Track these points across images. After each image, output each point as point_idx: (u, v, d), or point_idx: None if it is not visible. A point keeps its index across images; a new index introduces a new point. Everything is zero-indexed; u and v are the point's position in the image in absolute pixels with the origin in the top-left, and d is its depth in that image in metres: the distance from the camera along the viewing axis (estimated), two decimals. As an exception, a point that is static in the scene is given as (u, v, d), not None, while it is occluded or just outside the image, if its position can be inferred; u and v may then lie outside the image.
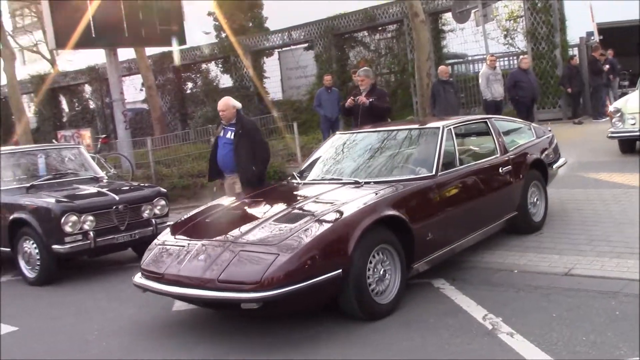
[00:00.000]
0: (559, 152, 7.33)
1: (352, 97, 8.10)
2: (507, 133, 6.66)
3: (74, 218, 6.45)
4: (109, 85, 14.04)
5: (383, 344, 4.06)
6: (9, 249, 6.94)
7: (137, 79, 22.17)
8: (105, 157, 13.10)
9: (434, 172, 5.19)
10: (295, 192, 5.69)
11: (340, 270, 4.16)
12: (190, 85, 23.10)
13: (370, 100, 7.89)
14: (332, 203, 4.82)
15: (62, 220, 6.38)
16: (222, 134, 7.08)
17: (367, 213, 4.52)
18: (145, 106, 22.63)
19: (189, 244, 4.65)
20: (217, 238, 4.63)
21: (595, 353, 3.60)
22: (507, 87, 12.65)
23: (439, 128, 5.59)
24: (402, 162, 5.62)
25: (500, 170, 5.88)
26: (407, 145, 5.84)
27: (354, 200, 4.74)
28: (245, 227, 4.69)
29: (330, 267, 4.14)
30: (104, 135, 16.51)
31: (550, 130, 7.36)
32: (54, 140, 15.53)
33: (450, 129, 5.65)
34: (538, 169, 6.50)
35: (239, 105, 7.11)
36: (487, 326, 4.17)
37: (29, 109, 28.67)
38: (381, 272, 4.51)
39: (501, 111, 12.55)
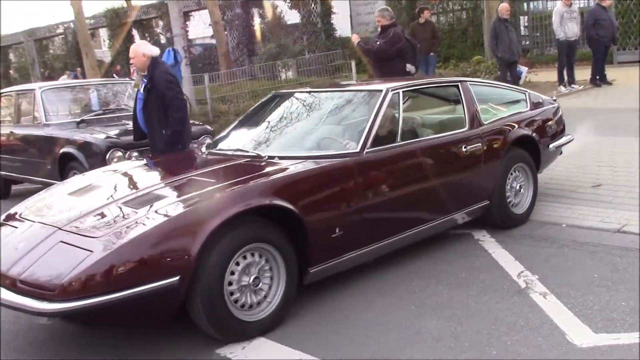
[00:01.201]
0: (563, 127, 5.92)
1: (355, 34, 7.74)
2: (487, 101, 5.40)
3: (119, 154, 6.48)
4: (171, 20, 13.96)
5: (409, 297, 3.88)
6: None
7: (207, 14, 22.08)
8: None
9: (358, 149, 4.05)
10: (183, 165, 4.68)
11: (178, 278, 3.11)
12: (258, 21, 22.85)
13: (358, 41, 7.47)
14: (201, 185, 3.71)
15: (108, 156, 6.42)
16: (140, 87, 5.95)
17: (228, 202, 3.40)
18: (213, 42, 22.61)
19: (22, 224, 3.74)
20: (52, 219, 3.65)
21: (632, 321, 3.29)
22: (586, 25, 11.79)
23: (380, 92, 4.43)
24: (330, 133, 4.44)
25: (463, 149, 4.62)
26: (341, 112, 4.71)
27: (223, 184, 3.67)
28: (88, 207, 3.69)
29: (162, 273, 3.09)
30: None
31: (555, 101, 6.03)
32: (114, 75, 15.74)
33: (398, 93, 4.49)
34: (526, 149, 5.20)
35: (152, 52, 5.78)
36: (520, 284, 3.91)
37: (104, 42, 29.34)
38: (252, 279, 3.44)
39: (574, 52, 11.73)
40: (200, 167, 4.41)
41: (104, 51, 29.16)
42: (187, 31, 24.63)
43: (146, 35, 26.43)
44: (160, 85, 5.64)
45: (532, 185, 5.26)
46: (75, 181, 4.61)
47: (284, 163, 3.96)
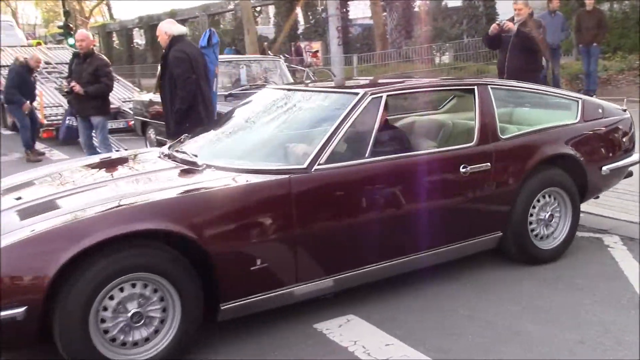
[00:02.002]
0: (633, 144, 4.84)
1: (497, 23, 6.93)
2: (519, 110, 4.74)
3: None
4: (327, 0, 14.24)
5: (516, 297, 3.75)
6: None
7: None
8: (314, 70, 13.51)
9: (305, 164, 3.37)
10: (115, 168, 4.12)
11: (24, 310, 2.66)
12: (418, 2, 22.56)
13: (523, 29, 6.65)
14: (100, 196, 3.21)
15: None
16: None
17: (103, 222, 2.84)
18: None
19: None
20: None
21: None
22: None
23: (356, 95, 3.69)
24: (288, 141, 3.79)
25: (462, 169, 3.79)
26: (310, 117, 4.03)
27: (121, 197, 3.13)
28: None
29: (8, 302, 2.65)
30: (315, 50, 16.98)
31: (625, 111, 4.90)
32: (269, 52, 16.35)
33: (380, 97, 3.70)
34: (567, 170, 4.29)
35: (172, 30, 5.59)
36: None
37: (270, 20, 30.52)
38: (133, 317, 2.92)
39: None
40: (128, 172, 3.92)
41: (269, 28, 30.35)
42: (347, 11, 25.04)
43: (309, 13, 27.13)
44: (171, 63, 5.54)
45: (571, 215, 4.32)
46: (16, 178, 4.12)
47: (215, 175, 3.41)
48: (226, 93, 7.72)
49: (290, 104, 4.23)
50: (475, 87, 4.13)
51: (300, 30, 27.56)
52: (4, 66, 15.67)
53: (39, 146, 10.44)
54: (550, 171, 4.21)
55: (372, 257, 3.60)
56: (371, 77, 6.19)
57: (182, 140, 4.33)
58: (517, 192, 4.03)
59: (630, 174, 4.94)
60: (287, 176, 3.29)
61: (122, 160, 4.34)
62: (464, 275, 4.10)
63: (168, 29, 5.68)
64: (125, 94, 12.36)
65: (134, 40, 39.97)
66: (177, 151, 3.95)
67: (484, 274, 4.13)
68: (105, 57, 8.05)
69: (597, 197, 4.85)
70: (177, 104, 5.50)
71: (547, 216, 4.22)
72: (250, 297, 3.21)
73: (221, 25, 32.57)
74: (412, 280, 3.98)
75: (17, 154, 10.26)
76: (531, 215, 4.14)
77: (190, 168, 3.60)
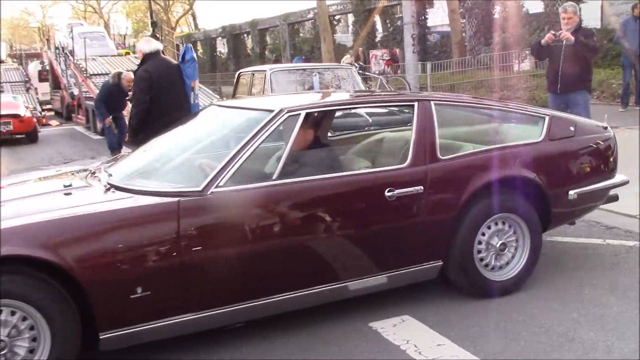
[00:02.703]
0: (612, 165, 4.36)
1: (552, 32, 6.66)
2: (469, 129, 4.38)
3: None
4: (402, 8, 14.29)
5: (575, 304, 3.72)
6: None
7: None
8: (388, 78, 13.59)
9: (201, 187, 3.16)
10: (38, 186, 3.91)
11: None
12: (498, 9, 22.21)
13: (579, 37, 6.39)
14: None
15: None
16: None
17: None
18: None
19: None
20: None
21: None
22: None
23: (270, 112, 3.48)
24: (194, 162, 3.59)
25: (387, 193, 3.46)
26: (227, 136, 3.86)
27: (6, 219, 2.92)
28: None
29: None
30: (387, 58, 17.02)
31: (606, 128, 4.43)
32: (360, 58, 16.48)
33: (297, 115, 3.47)
34: (523, 194, 3.88)
35: (143, 48, 5.78)
36: None
37: (348, 28, 30.79)
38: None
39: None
40: (39, 190, 3.72)
41: (347, 36, 30.63)
42: (425, 18, 24.96)
43: (387, 21, 27.21)
44: (135, 79, 5.93)
45: (530, 244, 3.91)
46: None
47: (111, 196, 3.24)
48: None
49: (217, 122, 4.06)
50: (415, 104, 3.80)
51: (378, 38, 27.67)
52: (96, 74, 16.63)
53: (126, 150, 11.03)
54: (501, 196, 3.78)
55: (278, 286, 3.33)
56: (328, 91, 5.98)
57: (118, 157, 4.29)
58: (458, 218, 3.66)
59: (614, 198, 4.49)
60: (175, 199, 3.09)
61: (54, 177, 4.12)
62: (525, 283, 4.08)
63: (141, 47, 6.04)
64: (207, 101, 12.85)
65: (217, 49, 41.26)
66: (99, 170, 3.83)
67: (543, 279, 4.10)
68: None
69: (573, 224, 4.56)
70: (131, 119, 5.87)
71: (498, 245, 3.83)
72: (133, 326, 3.01)
73: (300, 34, 33.13)
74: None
75: (105, 157, 10.88)
76: (480, 243, 3.77)
77: (96, 188, 3.43)
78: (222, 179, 3.19)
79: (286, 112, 3.45)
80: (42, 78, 24.55)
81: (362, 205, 3.49)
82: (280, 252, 3.30)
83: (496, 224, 3.83)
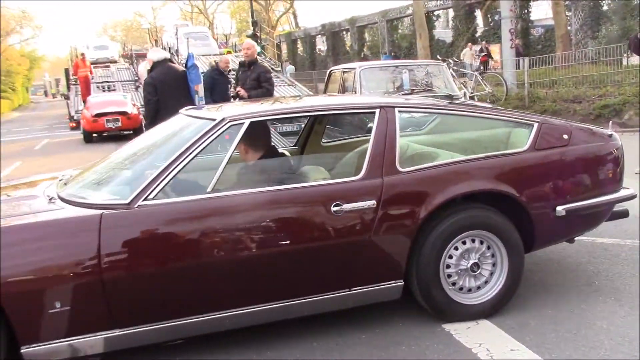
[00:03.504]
0: (616, 178, 3.87)
1: None
2: (449, 134, 4.07)
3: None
4: (500, 2, 13.86)
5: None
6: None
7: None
8: (483, 74, 13.23)
9: (128, 200, 3.00)
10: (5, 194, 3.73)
11: None
12: (608, 0, 21.11)
13: None
14: None
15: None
16: None
17: None
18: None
19: None
20: None
21: None
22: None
23: (212, 121, 3.30)
24: (141, 173, 3.34)
25: (333, 207, 3.20)
26: (171, 146, 3.48)
27: None
28: None
29: None
30: (483, 54, 16.55)
31: (611, 136, 3.94)
32: (437, 57, 16.21)
33: (241, 124, 3.29)
34: (502, 210, 3.54)
35: (154, 57, 6.79)
36: None
37: (447, 24, 30.27)
38: None
39: None
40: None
41: (446, 32, 30.12)
42: (529, 12, 24.11)
43: (488, 16, 26.52)
44: None
45: (508, 264, 3.56)
46: None
47: (52, 206, 3.17)
48: (388, 97, 7.90)
49: (172, 131, 3.78)
50: (377, 111, 3.51)
51: (478, 33, 27.03)
52: (202, 73, 17.24)
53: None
54: (473, 211, 3.49)
55: (210, 306, 3.14)
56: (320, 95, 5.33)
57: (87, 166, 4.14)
58: (420, 235, 3.38)
59: (622, 214, 4.04)
60: (98, 212, 2.96)
61: (29, 184, 4.01)
62: (607, 287, 3.91)
63: (150, 56, 6.98)
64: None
65: (317, 47, 41.71)
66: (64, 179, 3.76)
67: (632, 286, 3.90)
68: (267, 65, 8.70)
69: (571, 242, 4.09)
70: (145, 118, 6.90)
71: (469, 265, 3.49)
72: (55, 341, 2.89)
73: (399, 30, 32.90)
74: (554, 289, 3.90)
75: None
76: (448, 265, 3.47)
77: (42, 198, 3.35)
78: (153, 191, 3.03)
79: (228, 122, 3.29)
80: (150, 77, 25.70)
81: (304, 221, 3.24)
82: (211, 270, 3.10)
83: (465, 243, 3.49)
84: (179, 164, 3.12)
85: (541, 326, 3.45)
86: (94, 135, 17.03)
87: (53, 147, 16.65)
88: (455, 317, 3.52)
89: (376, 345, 3.35)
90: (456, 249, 3.48)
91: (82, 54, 24.10)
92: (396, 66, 8.80)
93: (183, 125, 3.69)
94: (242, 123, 3.31)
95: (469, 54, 21.05)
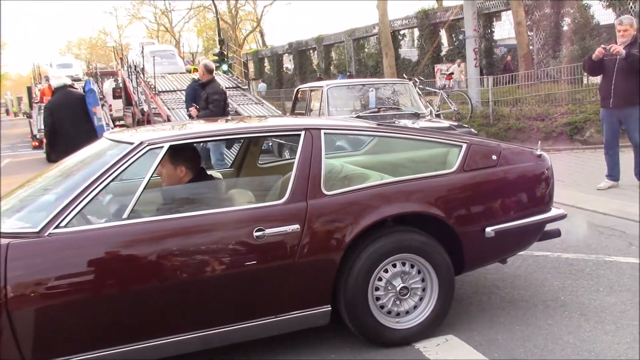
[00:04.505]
0: (544, 198, 3.88)
1: (602, 47, 6.49)
2: (379, 156, 4.12)
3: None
4: (464, 22, 14.13)
5: (632, 326, 3.57)
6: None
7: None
8: (448, 93, 13.43)
9: (38, 228, 2.85)
10: None
11: None
12: (567, 21, 21.65)
13: (632, 51, 6.19)
14: None
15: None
16: None
17: None
18: (517, 43, 22.12)
19: None
20: None
21: None
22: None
23: (130, 145, 3.20)
24: (51, 197, 3.21)
25: (255, 233, 3.12)
26: (88, 171, 3.27)
27: None
28: None
29: None
30: (449, 72, 16.83)
31: (540, 157, 3.93)
32: (404, 75, 16.43)
33: (160, 148, 3.19)
34: (430, 232, 3.51)
35: (54, 83, 7.52)
36: None
37: (413, 43, 30.69)
38: None
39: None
40: None
41: (412, 50, 30.51)
42: (492, 32, 24.61)
43: (452, 36, 26.96)
44: None
45: (438, 287, 3.52)
46: None
47: None
48: (354, 116, 7.95)
49: (94, 155, 3.57)
50: (302, 133, 3.45)
51: (443, 52, 27.44)
52: (164, 91, 17.18)
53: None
54: (400, 234, 3.45)
55: (123, 337, 2.98)
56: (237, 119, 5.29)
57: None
58: (346, 258, 3.31)
59: (555, 234, 4.06)
60: (5, 242, 2.77)
61: None
62: (573, 302, 3.96)
63: (52, 82, 7.75)
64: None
65: (284, 65, 41.87)
66: None
67: (599, 300, 3.96)
68: (220, 86, 8.99)
69: (504, 262, 4.05)
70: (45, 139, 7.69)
71: (399, 289, 3.44)
72: None
73: (365, 49, 33.22)
74: (521, 305, 3.94)
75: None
76: (377, 289, 3.41)
77: None
78: (65, 218, 2.88)
79: (147, 145, 3.17)
80: (116, 95, 25.48)
81: (225, 247, 3.12)
82: (127, 300, 2.95)
83: (395, 265, 3.44)
84: (94, 189, 2.98)
85: (509, 342, 3.47)
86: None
87: (15, 167, 16.30)
88: (384, 342, 3.45)
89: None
90: (386, 271, 3.42)
91: (48, 80, 23.63)
92: (363, 85, 8.86)
93: (103, 149, 3.55)
94: (162, 147, 3.21)
95: (458, 71, 21.30)
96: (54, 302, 2.81)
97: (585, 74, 15.87)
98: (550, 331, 3.58)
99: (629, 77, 6.38)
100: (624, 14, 18.49)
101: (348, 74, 27.90)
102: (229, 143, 8.07)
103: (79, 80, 30.89)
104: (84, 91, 7.67)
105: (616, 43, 6.53)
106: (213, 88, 8.73)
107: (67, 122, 7.21)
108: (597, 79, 15.59)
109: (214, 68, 9.46)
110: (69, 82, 7.84)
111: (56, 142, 7.28)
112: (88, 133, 7.11)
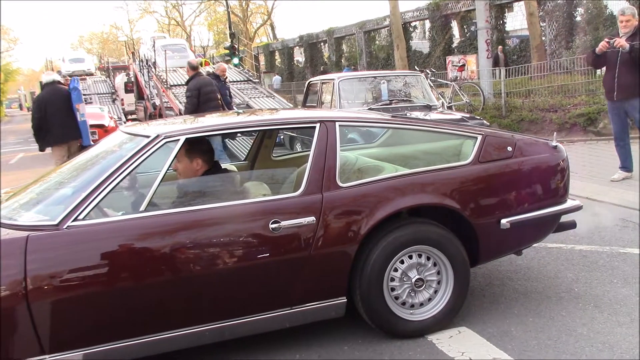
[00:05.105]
0: (559, 191, 3.85)
1: (606, 40, 6.42)
2: (395, 148, 4.10)
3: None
4: (476, 13, 14.02)
5: None
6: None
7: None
8: (461, 85, 13.35)
9: (57, 221, 2.87)
10: None
11: None
12: (580, 11, 21.45)
13: (633, 43, 6.14)
14: None
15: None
16: None
17: None
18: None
19: None
20: None
21: None
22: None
23: (146, 138, 3.21)
24: (69, 190, 3.21)
25: (271, 225, 3.13)
26: (105, 165, 3.28)
27: None
28: None
29: None
30: (461, 64, 16.73)
31: (555, 147, 3.90)
32: (415, 67, 16.36)
33: (176, 141, 3.21)
34: (445, 224, 3.54)
35: (44, 79, 8.37)
36: None
37: (424, 35, 30.54)
38: None
39: None
40: None
41: (423, 42, 30.36)
42: (504, 23, 24.43)
43: (464, 27, 26.80)
44: None
45: (454, 279, 3.51)
46: None
47: None
48: (367, 108, 7.94)
49: (111, 149, 3.58)
50: (317, 125, 3.45)
51: (454, 44, 27.29)
52: (176, 85, 17.24)
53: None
54: (415, 226, 3.44)
55: (146, 328, 3.01)
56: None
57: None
58: (362, 251, 3.32)
59: (570, 226, 4.04)
60: (24, 234, 2.81)
61: None
62: (586, 294, 3.95)
63: (42, 78, 8.49)
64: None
65: (295, 58, 41.82)
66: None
67: (611, 292, 3.94)
68: (198, 83, 9.41)
69: (519, 254, 4.01)
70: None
71: (414, 280, 3.45)
72: None
73: (377, 41, 33.10)
74: (534, 297, 3.93)
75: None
76: (392, 279, 3.41)
77: None
78: (83, 211, 2.90)
79: (163, 138, 3.19)
80: (127, 89, 25.59)
81: (242, 239, 3.12)
82: (145, 291, 2.97)
83: (411, 257, 3.45)
84: (111, 182, 3.00)
85: (523, 334, 3.46)
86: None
87: (29, 161, 16.42)
88: (398, 333, 3.46)
89: (358, 356, 3.34)
90: (402, 262, 3.43)
91: (66, 78, 23.63)
92: (374, 77, 8.84)
93: (119, 143, 3.56)
94: (178, 139, 3.22)
95: (501, 59, 21.07)
96: (72, 294, 2.83)
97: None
98: (563, 323, 3.57)
99: (632, 69, 6.37)
100: (636, 4, 18.34)
101: (352, 67, 27.86)
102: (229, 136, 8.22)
103: (92, 74, 31.12)
104: (69, 89, 8.29)
105: (619, 34, 6.50)
106: (190, 84, 9.46)
107: (54, 117, 7.98)
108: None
109: (198, 65, 10.05)
110: (58, 78, 8.54)
111: (41, 134, 8.10)
112: (71, 127, 8.12)
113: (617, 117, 6.82)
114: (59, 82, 8.37)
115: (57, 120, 8.00)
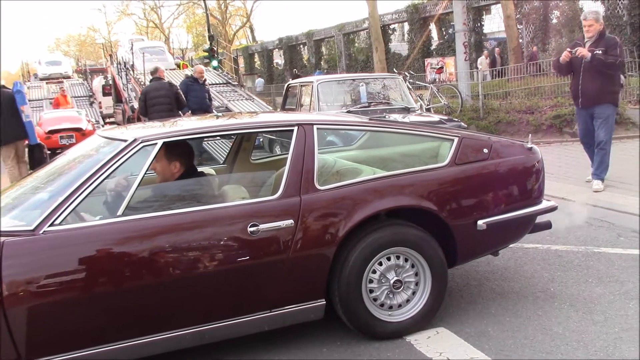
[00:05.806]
0: (533, 192, 3.89)
1: (568, 50, 6.52)
2: (372, 150, 4.16)
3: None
4: (454, 16, 14.14)
5: (623, 318, 3.61)
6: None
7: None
8: (439, 87, 13.46)
9: (33, 226, 2.84)
10: None
11: None
12: (556, 14, 21.74)
13: (596, 52, 6.22)
14: None
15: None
16: None
17: None
18: (507, 36, 22.18)
19: None
20: None
21: None
22: None
23: (123, 142, 3.20)
24: (45, 195, 3.19)
25: (249, 229, 3.13)
26: (81, 169, 3.26)
27: None
28: None
29: None
30: (439, 66, 16.87)
31: (530, 149, 3.96)
32: (394, 70, 16.46)
33: (153, 145, 3.20)
34: (423, 226, 3.55)
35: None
36: None
37: (403, 37, 30.72)
38: None
39: None
40: None
41: (402, 44, 30.54)
42: (482, 25, 24.66)
43: (442, 29, 27.01)
44: None
45: (432, 280, 3.54)
46: None
47: None
48: (345, 111, 7.96)
49: (87, 153, 3.55)
50: (295, 128, 3.46)
51: (433, 47, 27.49)
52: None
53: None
54: (393, 228, 3.46)
55: (120, 334, 2.97)
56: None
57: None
58: (340, 253, 3.33)
59: (546, 226, 4.12)
60: (0, 239, 2.77)
61: None
62: (562, 293, 4.00)
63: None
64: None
65: (274, 61, 41.78)
66: None
67: (586, 291, 4.00)
68: (148, 88, 10.05)
69: (496, 254, 4.04)
70: None
71: (392, 282, 3.47)
72: None
73: (356, 44, 33.21)
74: (511, 296, 3.98)
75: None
76: (371, 281, 3.43)
77: None
78: (60, 216, 2.88)
79: (140, 142, 3.17)
80: (105, 92, 25.43)
81: (220, 242, 3.12)
82: (122, 297, 2.95)
83: (389, 259, 3.46)
84: (88, 187, 2.98)
85: (499, 333, 3.50)
86: (48, 152, 16.65)
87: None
88: (376, 335, 3.47)
89: (337, 357, 3.35)
90: (380, 264, 3.45)
91: (62, 89, 23.17)
92: (353, 79, 8.87)
93: (96, 147, 3.53)
94: (155, 143, 3.21)
95: (485, 63, 21.25)
96: (49, 299, 2.81)
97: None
98: (539, 322, 3.61)
99: (595, 77, 6.45)
100: (611, 5, 18.63)
101: (324, 71, 28.22)
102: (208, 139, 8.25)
103: (69, 77, 30.80)
104: (13, 92, 8.78)
105: (583, 38, 6.57)
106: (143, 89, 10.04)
107: (5, 119, 8.46)
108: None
109: (156, 70, 10.33)
110: (1, 82, 9.08)
111: None
112: (17, 127, 8.62)
113: (584, 122, 6.89)
114: (3, 86, 8.91)
115: (3, 121, 8.49)
